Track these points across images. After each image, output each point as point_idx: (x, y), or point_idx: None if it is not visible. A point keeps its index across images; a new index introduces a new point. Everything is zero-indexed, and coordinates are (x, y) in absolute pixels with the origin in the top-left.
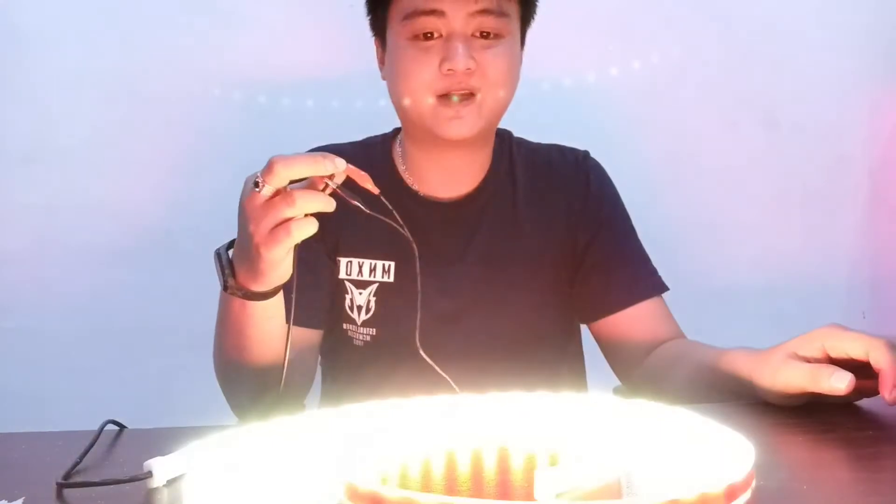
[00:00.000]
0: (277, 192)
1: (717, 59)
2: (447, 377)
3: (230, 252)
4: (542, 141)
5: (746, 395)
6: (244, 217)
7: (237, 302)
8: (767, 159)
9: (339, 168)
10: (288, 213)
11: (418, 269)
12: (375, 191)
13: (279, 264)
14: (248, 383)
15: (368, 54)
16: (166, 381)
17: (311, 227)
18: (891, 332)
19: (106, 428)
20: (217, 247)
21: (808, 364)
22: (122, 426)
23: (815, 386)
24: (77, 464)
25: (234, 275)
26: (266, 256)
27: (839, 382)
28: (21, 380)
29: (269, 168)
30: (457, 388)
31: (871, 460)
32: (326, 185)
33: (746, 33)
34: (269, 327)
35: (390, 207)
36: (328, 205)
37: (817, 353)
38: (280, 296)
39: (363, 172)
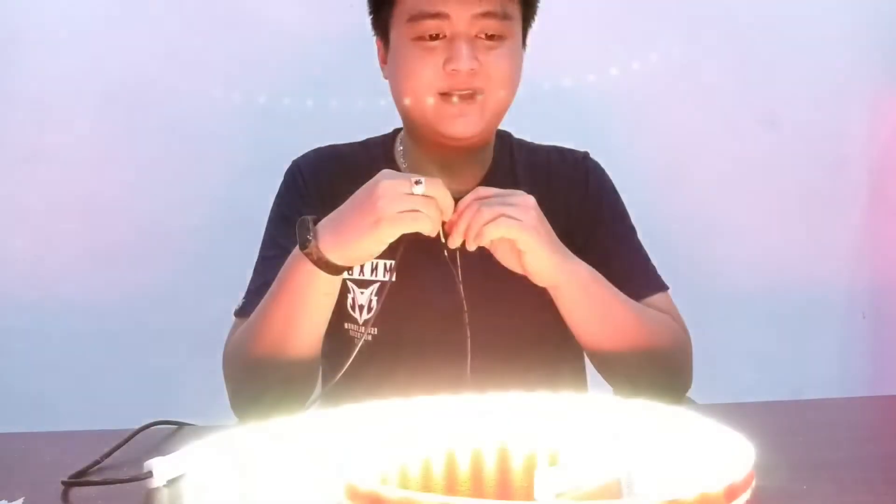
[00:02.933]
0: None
1: (717, 59)
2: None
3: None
4: (542, 141)
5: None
6: (376, 195)
7: (304, 270)
8: (767, 159)
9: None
10: (422, 209)
11: (465, 315)
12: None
13: (380, 244)
14: (272, 366)
15: (369, 54)
16: (166, 381)
17: (430, 225)
18: (891, 333)
19: (105, 428)
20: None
21: None
22: (179, 424)
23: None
24: (98, 462)
25: (316, 240)
26: (380, 232)
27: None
28: (21, 380)
29: (435, 184)
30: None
31: (872, 460)
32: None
33: (746, 33)
34: (323, 305)
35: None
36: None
37: None
38: (339, 279)
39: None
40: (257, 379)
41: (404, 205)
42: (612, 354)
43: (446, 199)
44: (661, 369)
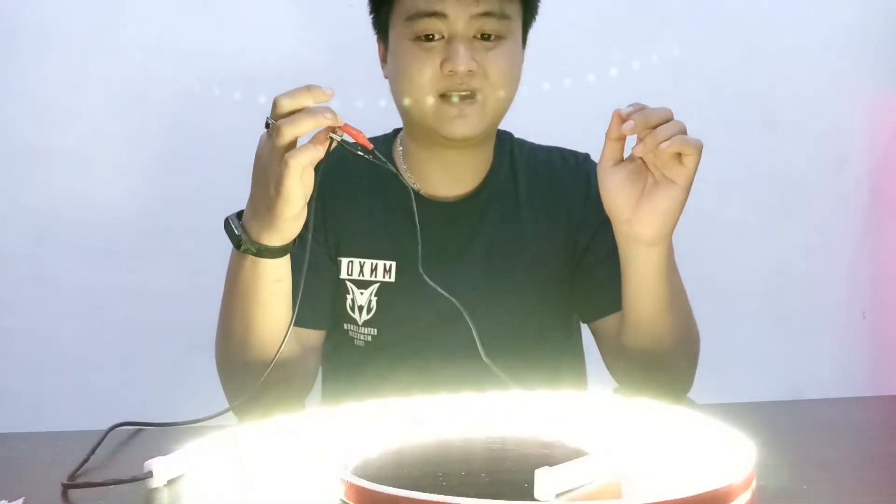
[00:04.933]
0: None
1: (717, 59)
2: (451, 298)
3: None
4: (543, 141)
5: (639, 260)
6: (260, 165)
7: (248, 263)
8: (767, 159)
9: (338, 122)
10: (280, 142)
11: (415, 210)
12: (369, 146)
13: (294, 204)
14: (253, 365)
15: (368, 54)
16: (166, 380)
17: (307, 154)
18: (891, 333)
19: (105, 428)
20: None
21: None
22: (139, 425)
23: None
24: (84, 462)
25: (246, 233)
26: (282, 193)
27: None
28: (21, 380)
29: (280, 103)
30: (462, 309)
31: (871, 460)
32: (331, 140)
33: (746, 33)
34: (278, 291)
35: (384, 160)
36: (314, 124)
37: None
38: (288, 259)
39: (357, 130)
40: (239, 380)
41: (280, 154)
42: (663, 339)
43: (295, 99)
44: (689, 365)
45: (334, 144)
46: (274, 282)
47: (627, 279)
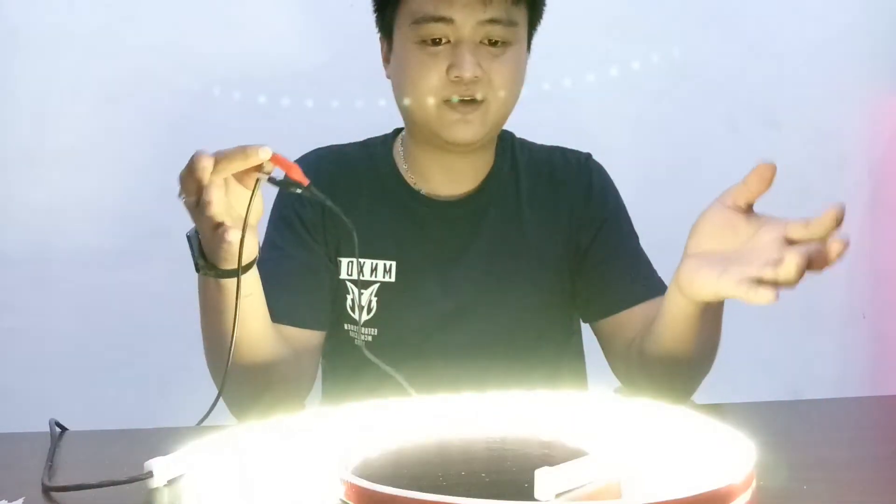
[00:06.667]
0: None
1: (717, 59)
2: (398, 376)
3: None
4: (543, 141)
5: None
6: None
7: (212, 284)
8: (767, 159)
9: (264, 157)
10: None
11: (357, 247)
12: (305, 181)
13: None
14: (238, 379)
15: (368, 54)
16: (166, 381)
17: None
18: (891, 333)
19: (105, 428)
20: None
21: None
22: (64, 428)
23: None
24: (51, 463)
25: (204, 256)
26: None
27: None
28: (21, 380)
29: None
30: (409, 389)
31: (871, 460)
32: (258, 179)
33: (746, 33)
34: (248, 306)
35: (323, 197)
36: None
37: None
38: (255, 272)
39: (291, 162)
40: (230, 387)
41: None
42: (683, 360)
43: (240, 161)
44: (701, 375)
45: (260, 184)
46: (242, 297)
47: (661, 311)
